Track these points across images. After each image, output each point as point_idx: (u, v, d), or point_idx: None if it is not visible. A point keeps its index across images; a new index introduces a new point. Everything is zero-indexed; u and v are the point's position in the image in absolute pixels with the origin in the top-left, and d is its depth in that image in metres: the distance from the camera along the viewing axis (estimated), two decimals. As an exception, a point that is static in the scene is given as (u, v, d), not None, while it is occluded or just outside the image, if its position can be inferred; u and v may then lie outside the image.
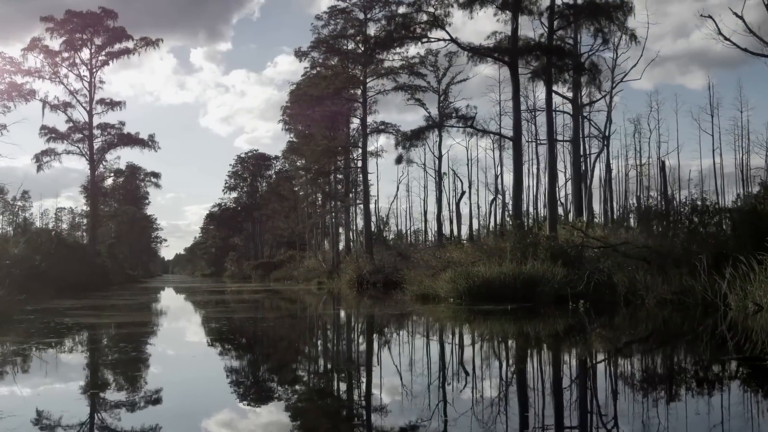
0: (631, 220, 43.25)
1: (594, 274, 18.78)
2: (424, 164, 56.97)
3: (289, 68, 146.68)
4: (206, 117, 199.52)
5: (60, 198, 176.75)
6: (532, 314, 16.46)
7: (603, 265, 19.23)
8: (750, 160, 48.52)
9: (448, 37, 25.13)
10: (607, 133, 26.58)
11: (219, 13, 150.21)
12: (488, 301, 19.08)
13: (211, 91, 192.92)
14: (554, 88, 28.02)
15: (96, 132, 48.33)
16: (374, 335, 13.53)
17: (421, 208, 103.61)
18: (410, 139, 26.59)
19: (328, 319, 18.16)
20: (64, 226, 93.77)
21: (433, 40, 25.40)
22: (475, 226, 56.60)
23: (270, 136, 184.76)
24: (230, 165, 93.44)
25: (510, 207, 52.70)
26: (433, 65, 45.95)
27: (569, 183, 44.76)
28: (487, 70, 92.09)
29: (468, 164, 52.38)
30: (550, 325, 14.48)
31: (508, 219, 33.24)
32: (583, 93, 31.45)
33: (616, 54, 29.17)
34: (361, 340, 12.97)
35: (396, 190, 70.09)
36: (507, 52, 24.55)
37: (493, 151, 64.46)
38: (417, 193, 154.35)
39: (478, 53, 25.12)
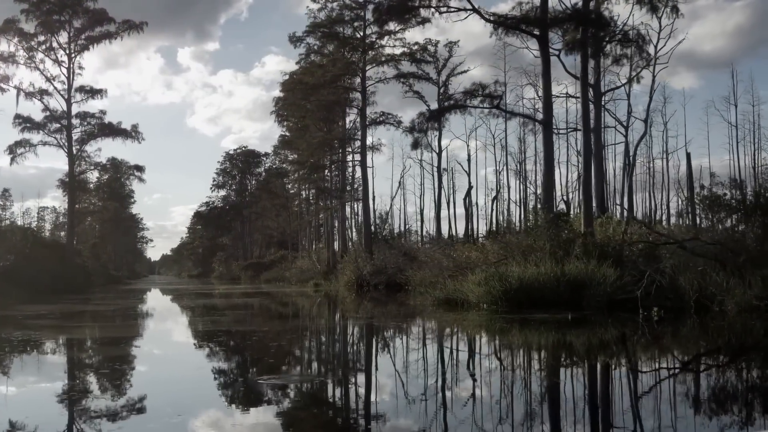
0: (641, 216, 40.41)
1: (656, 276, 15.85)
2: (421, 160, 54.00)
3: (276, 68, 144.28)
4: (193, 117, 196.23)
5: (46, 198, 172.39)
6: (597, 325, 13.58)
7: (664, 265, 16.26)
8: (761, 156, 45.94)
9: (469, 7, 22.13)
10: (646, 117, 23.52)
11: (207, 12, 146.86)
12: (529, 307, 16.26)
13: (199, 91, 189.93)
14: (573, 70, 25.30)
15: (75, 122, 44.79)
16: (434, 362, 9.76)
17: (416, 207, 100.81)
18: (429, 120, 23.57)
19: (351, 336, 14.45)
20: (47, 225, 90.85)
21: (452, 9, 22.37)
22: (475, 224, 53.63)
23: (258, 137, 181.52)
24: (218, 162, 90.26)
25: (515, 204, 50.11)
26: (433, 56, 43.10)
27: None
28: (485, 68, 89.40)
29: (468, 160, 49.37)
30: (634, 341, 11.56)
31: (534, 212, 30.13)
32: (601, 80, 28.59)
33: (660, 26, 26.32)
34: (422, 373, 8.62)
35: (398, 186, 66.41)
36: (537, 22, 21.59)
37: (494, 146, 61.89)
38: (412, 191, 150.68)
39: (503, 25, 22.13)
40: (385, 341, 12.35)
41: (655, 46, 22.22)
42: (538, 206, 26.65)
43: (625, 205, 37.31)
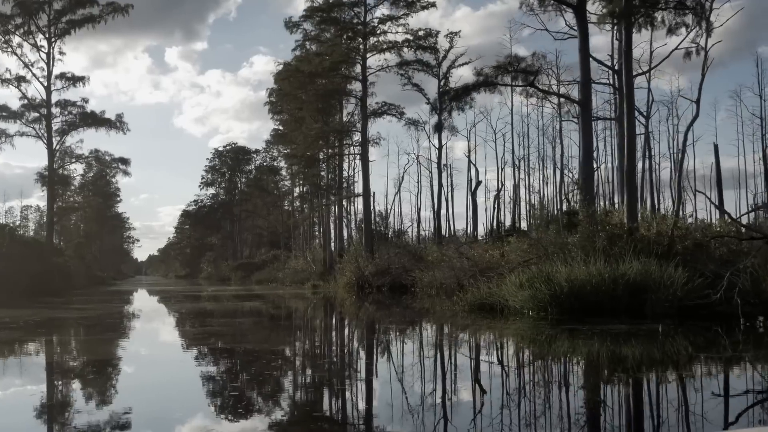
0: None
1: (735, 278, 13.34)
2: (418, 155, 51.24)
3: (265, 68, 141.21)
4: (181, 117, 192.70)
5: (31, 198, 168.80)
6: (700, 338, 11.20)
7: (745, 265, 13.74)
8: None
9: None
10: (698, 98, 21.06)
11: (195, 12, 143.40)
12: (582, 314, 13.78)
13: (186, 91, 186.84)
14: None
15: (55, 110, 41.79)
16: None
17: (411, 205, 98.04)
18: (452, 100, 20.98)
19: (391, 359, 10.45)
20: (31, 225, 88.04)
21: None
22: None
23: (245, 137, 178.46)
24: (207, 159, 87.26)
25: (515, 203, 47.57)
26: (433, 47, 40.46)
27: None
28: (488, 60, 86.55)
29: (468, 155, 46.66)
30: None
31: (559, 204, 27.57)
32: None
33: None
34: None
35: (400, 181, 62.68)
36: (574, -9, 19.07)
37: (495, 142, 59.56)
38: (407, 188, 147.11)
39: (536, -6, 19.63)
40: (441, 373, 9.32)
41: (707, 18, 19.93)
42: (568, 199, 24.07)
43: (646, 200, 34.82)
